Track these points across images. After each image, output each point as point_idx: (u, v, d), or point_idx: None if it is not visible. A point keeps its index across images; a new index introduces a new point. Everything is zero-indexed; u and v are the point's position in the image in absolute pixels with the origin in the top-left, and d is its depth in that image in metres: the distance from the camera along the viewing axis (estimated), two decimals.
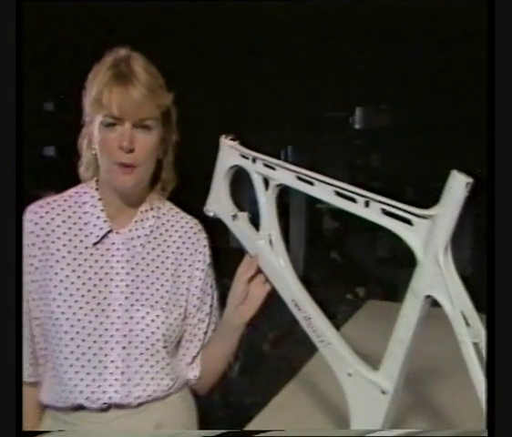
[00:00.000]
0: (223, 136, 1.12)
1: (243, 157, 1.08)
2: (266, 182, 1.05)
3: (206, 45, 4.10)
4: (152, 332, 1.17)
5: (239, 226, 1.11)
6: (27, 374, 1.22)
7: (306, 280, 1.08)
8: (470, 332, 0.79)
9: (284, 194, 1.07)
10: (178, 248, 1.24)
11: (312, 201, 5.50)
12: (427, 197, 0.85)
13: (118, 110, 1.09)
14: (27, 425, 1.24)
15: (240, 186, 1.19)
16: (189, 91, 1.34)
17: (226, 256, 1.42)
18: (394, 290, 3.98)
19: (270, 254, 1.07)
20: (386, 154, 5.47)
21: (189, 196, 1.29)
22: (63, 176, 1.29)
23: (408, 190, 4.75)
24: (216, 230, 1.29)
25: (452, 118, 4.64)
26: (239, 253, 1.15)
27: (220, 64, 4.27)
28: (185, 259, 1.24)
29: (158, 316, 1.18)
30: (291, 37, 3.95)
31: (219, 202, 1.13)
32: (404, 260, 0.89)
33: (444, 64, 4.21)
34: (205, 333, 1.28)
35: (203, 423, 1.33)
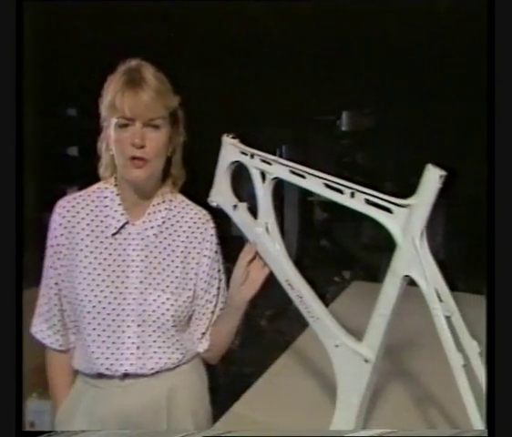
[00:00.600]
0: (225, 134, 1.12)
1: (243, 153, 1.07)
2: (263, 176, 1.04)
3: (211, 54, 4.10)
4: (163, 313, 1.18)
5: (239, 215, 1.11)
6: (59, 344, 1.25)
7: (299, 264, 1.07)
8: (443, 307, 0.78)
9: (280, 188, 1.07)
10: (187, 237, 1.24)
11: (304, 194, 5.51)
12: (405, 190, 0.85)
13: (130, 111, 1.09)
14: (61, 387, 1.27)
15: (241, 179, 1.18)
16: (196, 95, 1.34)
17: (228, 243, 1.41)
18: (375, 273, 3.98)
19: (267, 240, 1.07)
20: (369, 152, 5.47)
21: (196, 188, 1.29)
22: (84, 172, 1.29)
23: (388, 184, 4.74)
24: (220, 220, 1.30)
25: (427, 121, 4.65)
26: (240, 241, 1.15)
27: (223, 71, 4.30)
28: (194, 247, 1.24)
29: (168, 299, 1.18)
30: (288, 49, 3.98)
31: (221, 194, 1.12)
32: (384, 246, 0.89)
33: (421, 73, 4.23)
34: (212, 313, 1.28)
35: (209, 390, 1.34)
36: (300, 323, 1.17)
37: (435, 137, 4.40)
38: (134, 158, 1.12)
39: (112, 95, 1.11)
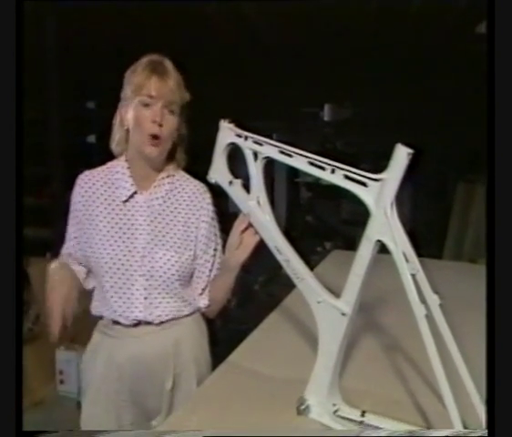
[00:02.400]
0: (222, 120, 1.10)
1: (238, 136, 1.06)
2: (255, 155, 1.03)
3: (213, 59, 4.06)
4: (169, 268, 1.19)
5: (234, 190, 1.10)
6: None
7: (287, 236, 1.06)
8: (409, 267, 0.78)
9: (271, 170, 1.05)
10: (187, 205, 1.25)
11: (291, 176, 5.52)
12: (377, 169, 0.84)
13: (156, 92, 1.12)
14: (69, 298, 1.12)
15: (236, 159, 1.17)
16: (200, 92, 1.35)
17: (225, 219, 1.41)
18: (352, 243, 3.99)
19: (258, 211, 1.06)
20: (348, 140, 5.49)
21: (197, 167, 1.29)
22: (101, 157, 1.30)
23: (364, 166, 4.75)
24: (218, 200, 1.29)
25: (396, 111, 4.68)
26: (235, 217, 1.14)
27: (225, 71, 4.33)
28: (193, 214, 1.25)
29: (172, 256, 1.20)
30: (279, 53, 4.00)
31: (218, 172, 1.11)
32: (360, 221, 0.88)
33: (391, 73, 4.24)
34: (210, 271, 1.29)
35: (210, 343, 1.35)
36: (287, 287, 1.18)
37: (403, 124, 4.41)
38: (151, 136, 1.13)
39: (139, 77, 1.13)
